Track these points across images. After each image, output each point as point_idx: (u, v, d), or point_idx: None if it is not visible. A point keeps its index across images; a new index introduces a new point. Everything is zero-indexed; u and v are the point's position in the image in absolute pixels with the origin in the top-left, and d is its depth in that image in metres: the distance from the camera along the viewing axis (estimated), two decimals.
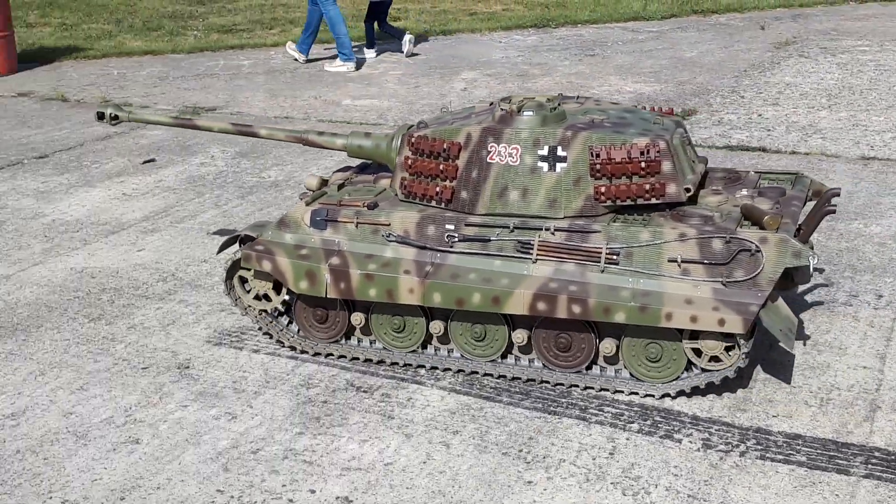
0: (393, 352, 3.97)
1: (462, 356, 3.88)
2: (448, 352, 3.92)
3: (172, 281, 4.94)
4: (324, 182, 4.24)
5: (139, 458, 3.42)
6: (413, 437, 3.49)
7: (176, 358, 4.13)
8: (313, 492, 3.20)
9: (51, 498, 3.22)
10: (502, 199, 3.74)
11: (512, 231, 3.69)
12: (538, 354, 3.78)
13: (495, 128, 3.76)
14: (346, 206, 3.95)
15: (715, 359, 3.52)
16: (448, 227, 3.77)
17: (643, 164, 3.58)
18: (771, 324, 3.40)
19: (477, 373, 3.85)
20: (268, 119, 8.15)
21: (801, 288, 4.48)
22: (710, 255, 3.48)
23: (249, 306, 4.11)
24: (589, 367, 3.74)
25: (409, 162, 3.90)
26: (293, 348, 4.09)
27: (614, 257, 3.55)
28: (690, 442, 3.39)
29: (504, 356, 3.85)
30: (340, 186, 4.18)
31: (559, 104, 3.87)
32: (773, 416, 3.52)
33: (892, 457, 3.27)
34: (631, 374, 3.69)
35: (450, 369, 3.88)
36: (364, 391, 3.80)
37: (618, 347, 3.66)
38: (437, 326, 3.85)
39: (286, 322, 4.15)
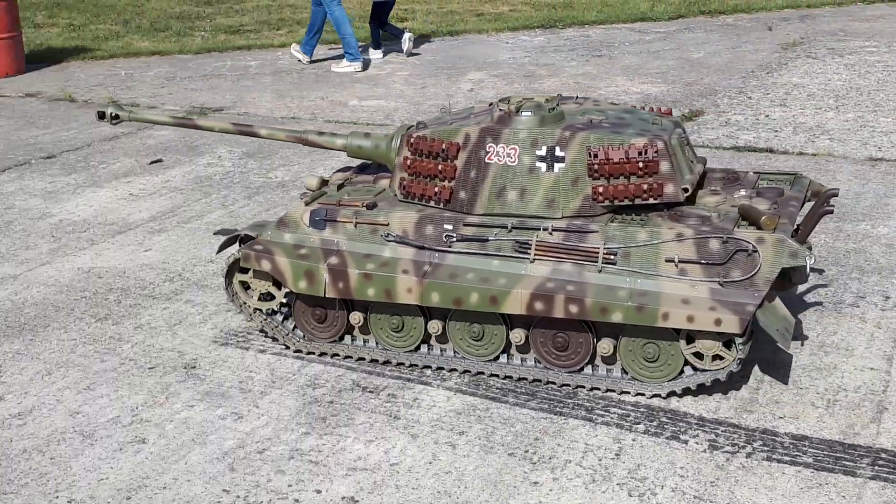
0: (393, 352, 3.97)
1: (455, 354, 3.88)
2: (454, 352, 3.92)
3: (179, 281, 4.95)
4: (324, 182, 4.25)
5: (145, 458, 3.42)
6: (419, 437, 3.49)
7: (182, 358, 4.14)
8: (319, 492, 3.20)
9: (57, 497, 3.23)
10: (500, 200, 3.74)
11: (510, 231, 3.70)
12: (535, 354, 3.79)
13: (494, 128, 3.76)
14: (345, 206, 3.95)
15: (717, 357, 3.51)
16: (446, 227, 3.77)
17: (641, 165, 3.58)
18: (767, 323, 3.40)
19: (483, 373, 3.85)
20: (273, 119, 8.16)
21: (808, 289, 4.47)
22: (707, 255, 3.48)
23: (257, 309, 4.11)
24: (581, 369, 3.74)
25: (408, 162, 3.90)
26: (299, 351, 4.10)
27: (612, 257, 3.55)
28: (697, 443, 3.39)
29: (499, 357, 3.85)
30: (340, 186, 4.19)
31: (557, 105, 3.88)
32: (780, 418, 3.52)
33: None
34: (624, 372, 3.68)
35: (455, 370, 3.88)
36: (370, 391, 3.80)
37: (615, 347, 3.66)
38: (435, 326, 3.85)
39: (281, 319, 4.16)
